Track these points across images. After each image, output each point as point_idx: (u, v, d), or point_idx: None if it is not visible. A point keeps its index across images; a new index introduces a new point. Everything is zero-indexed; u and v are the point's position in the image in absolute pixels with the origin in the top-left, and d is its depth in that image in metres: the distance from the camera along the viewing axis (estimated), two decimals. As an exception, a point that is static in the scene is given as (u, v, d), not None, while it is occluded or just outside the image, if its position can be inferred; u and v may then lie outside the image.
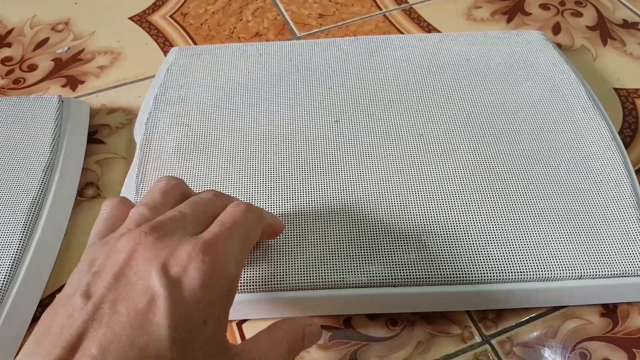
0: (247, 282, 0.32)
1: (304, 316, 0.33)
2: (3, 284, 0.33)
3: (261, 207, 0.35)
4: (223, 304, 0.24)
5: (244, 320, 0.34)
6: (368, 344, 0.33)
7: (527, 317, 0.34)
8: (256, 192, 0.36)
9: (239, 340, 0.33)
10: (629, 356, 0.32)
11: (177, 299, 0.22)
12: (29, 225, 0.36)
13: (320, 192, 0.36)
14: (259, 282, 0.32)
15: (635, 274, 0.32)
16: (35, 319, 0.34)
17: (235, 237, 0.26)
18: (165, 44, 0.52)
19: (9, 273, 0.33)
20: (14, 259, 0.34)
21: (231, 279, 0.25)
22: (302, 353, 0.33)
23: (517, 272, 0.32)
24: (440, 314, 0.34)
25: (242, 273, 0.32)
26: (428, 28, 0.52)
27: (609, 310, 0.34)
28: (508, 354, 0.32)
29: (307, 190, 0.36)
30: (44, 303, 0.35)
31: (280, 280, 0.32)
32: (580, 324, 0.34)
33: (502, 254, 0.33)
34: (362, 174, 0.37)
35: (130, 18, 0.54)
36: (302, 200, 0.35)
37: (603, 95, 0.45)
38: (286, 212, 0.35)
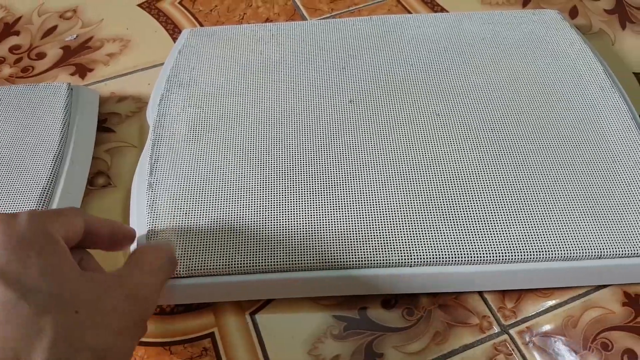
0: (265, 263, 0.32)
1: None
2: (15, 273, 0.32)
3: (276, 189, 0.34)
4: None
5: (258, 310, 0.34)
6: (384, 334, 0.32)
7: (547, 307, 0.33)
8: (272, 173, 0.35)
9: (253, 335, 0.33)
10: (651, 346, 0.32)
11: None
12: (40, 214, 0.35)
13: (335, 172, 0.35)
14: (277, 262, 0.32)
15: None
16: (48, 309, 0.34)
17: None
18: (174, 30, 0.51)
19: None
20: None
21: None
22: (317, 344, 0.32)
23: (536, 252, 0.32)
24: (458, 304, 0.33)
25: (265, 254, 0.32)
26: (442, 12, 0.50)
27: (631, 299, 0.33)
28: (527, 344, 0.32)
29: (321, 171, 0.35)
30: (56, 293, 0.35)
31: (295, 260, 0.32)
32: (601, 314, 0.33)
33: (519, 234, 0.32)
34: (376, 155, 0.36)
35: (139, 5, 0.53)
36: (317, 180, 0.35)
37: (623, 79, 0.44)
38: (301, 192, 0.34)
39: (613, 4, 0.51)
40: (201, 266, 0.32)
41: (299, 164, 0.36)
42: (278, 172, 0.36)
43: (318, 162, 0.36)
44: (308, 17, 0.51)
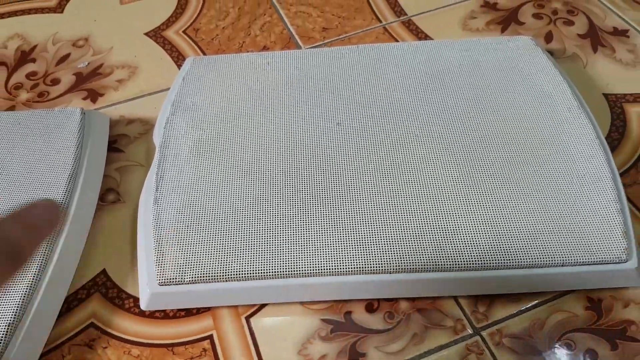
0: (260, 271, 0.35)
1: None
2: (32, 282, 0.36)
3: (270, 204, 0.38)
4: None
5: (253, 314, 0.37)
6: (366, 336, 0.36)
7: (516, 311, 0.36)
8: (266, 190, 0.39)
9: (248, 336, 0.36)
10: (611, 346, 0.35)
11: None
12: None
13: (324, 188, 0.39)
14: (271, 269, 0.35)
15: (614, 262, 0.35)
16: (61, 314, 0.38)
17: None
18: (178, 58, 0.55)
19: (38, 272, 0.37)
20: (42, 260, 0.37)
21: None
22: (306, 345, 0.35)
23: (505, 259, 0.35)
24: (434, 308, 0.37)
25: (260, 263, 0.35)
26: (426, 39, 0.54)
27: (594, 304, 0.36)
28: (497, 344, 0.35)
29: (311, 187, 0.39)
30: (69, 299, 0.38)
31: (287, 268, 0.36)
32: (566, 317, 0.36)
33: (490, 244, 0.36)
34: (360, 171, 0.40)
35: (146, 34, 0.58)
36: (306, 195, 0.38)
37: (593, 100, 0.48)
38: (292, 207, 0.38)
39: (586, 29, 0.54)
40: (202, 274, 0.36)
41: (292, 181, 0.40)
42: (272, 189, 0.39)
43: (308, 179, 0.40)
44: (302, 45, 0.55)
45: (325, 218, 0.37)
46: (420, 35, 0.55)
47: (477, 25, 0.55)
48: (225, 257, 0.36)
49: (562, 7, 0.56)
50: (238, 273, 0.36)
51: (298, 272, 0.36)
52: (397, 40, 0.54)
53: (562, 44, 0.53)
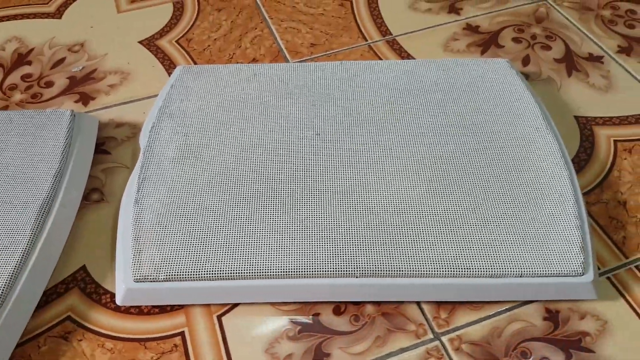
0: (232, 272, 0.37)
1: None
2: (13, 274, 0.37)
3: (244, 209, 0.40)
4: None
5: (224, 313, 0.38)
6: (332, 337, 0.37)
7: (477, 318, 0.38)
8: (241, 195, 0.41)
9: (219, 334, 0.37)
10: (566, 356, 0.36)
11: None
12: (38, 223, 0.40)
13: (297, 194, 0.40)
14: (242, 270, 0.37)
15: (571, 275, 0.36)
16: (40, 307, 0.39)
17: None
18: (170, 66, 0.57)
19: (18, 265, 0.38)
20: (24, 253, 0.38)
21: None
22: (274, 344, 0.37)
23: (466, 268, 0.37)
24: (398, 312, 0.38)
25: (232, 264, 0.37)
26: (408, 58, 0.56)
27: (552, 315, 0.38)
28: (457, 350, 0.36)
29: (285, 194, 0.41)
30: (48, 293, 0.40)
31: (258, 269, 0.37)
32: (524, 326, 0.37)
33: (453, 252, 0.37)
34: (334, 180, 0.41)
35: (140, 42, 0.60)
36: (280, 201, 0.40)
37: (564, 122, 0.50)
38: (266, 211, 0.39)
39: (562, 53, 0.56)
40: (177, 272, 0.37)
41: (266, 186, 0.41)
42: (246, 193, 0.41)
43: (283, 185, 0.41)
44: (290, 59, 0.57)
45: (296, 223, 0.39)
46: (403, 54, 0.57)
47: (459, 47, 0.57)
48: (200, 257, 0.38)
49: (541, 33, 0.59)
50: (211, 273, 0.37)
51: (269, 273, 0.37)
52: (380, 59, 0.56)
53: (538, 67, 0.55)
